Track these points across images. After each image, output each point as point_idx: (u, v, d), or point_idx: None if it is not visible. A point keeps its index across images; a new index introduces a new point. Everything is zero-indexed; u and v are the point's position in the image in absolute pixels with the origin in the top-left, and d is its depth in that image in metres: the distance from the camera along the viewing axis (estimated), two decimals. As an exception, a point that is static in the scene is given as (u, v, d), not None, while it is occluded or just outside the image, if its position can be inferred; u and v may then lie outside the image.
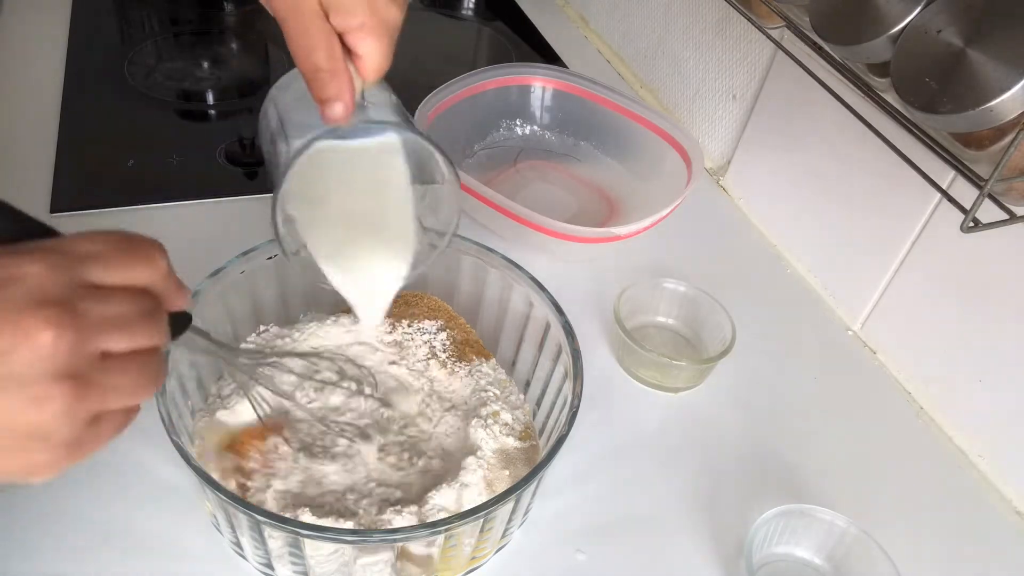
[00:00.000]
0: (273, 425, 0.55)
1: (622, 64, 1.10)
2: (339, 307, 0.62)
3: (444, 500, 0.52)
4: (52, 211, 0.75)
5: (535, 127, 0.93)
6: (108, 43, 1.02)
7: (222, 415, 0.55)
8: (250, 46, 1.07)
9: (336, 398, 0.57)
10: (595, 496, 0.61)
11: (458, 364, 0.62)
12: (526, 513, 0.56)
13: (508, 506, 0.50)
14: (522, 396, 0.62)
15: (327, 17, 0.45)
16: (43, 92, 0.90)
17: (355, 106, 0.45)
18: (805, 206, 0.82)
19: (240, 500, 0.46)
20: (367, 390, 0.57)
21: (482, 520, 0.48)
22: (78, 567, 0.52)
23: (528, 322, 0.62)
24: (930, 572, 0.59)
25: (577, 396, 0.53)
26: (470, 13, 1.21)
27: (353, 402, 0.57)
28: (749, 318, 0.71)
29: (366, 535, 0.47)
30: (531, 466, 0.55)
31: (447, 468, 0.55)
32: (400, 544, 0.48)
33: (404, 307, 0.65)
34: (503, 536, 0.55)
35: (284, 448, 0.54)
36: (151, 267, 0.36)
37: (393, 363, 0.62)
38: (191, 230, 0.75)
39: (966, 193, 0.50)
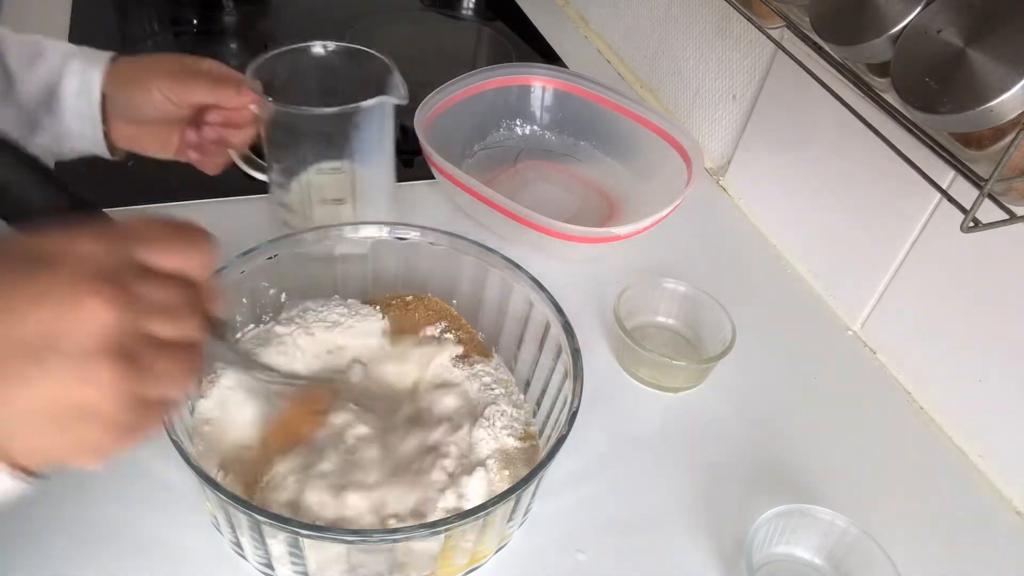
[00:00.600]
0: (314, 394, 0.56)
1: (622, 64, 1.10)
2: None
3: (445, 501, 0.52)
4: (52, 211, 0.75)
5: (535, 127, 0.93)
6: (108, 43, 1.01)
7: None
8: (250, 46, 1.07)
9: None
10: (595, 496, 0.61)
11: (460, 363, 0.62)
12: (526, 513, 0.56)
13: (508, 506, 0.50)
14: (522, 396, 0.62)
15: None
16: (43, 92, 0.90)
17: None
18: (805, 206, 0.82)
19: (240, 500, 0.45)
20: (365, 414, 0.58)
21: (482, 520, 0.48)
22: (78, 569, 0.52)
23: (528, 322, 0.62)
24: (930, 572, 0.59)
25: (577, 396, 0.53)
26: (470, 13, 1.21)
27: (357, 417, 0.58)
28: (749, 318, 0.71)
29: (366, 535, 0.47)
30: (531, 466, 0.55)
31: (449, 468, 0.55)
32: (400, 544, 0.48)
33: (403, 309, 0.65)
34: (503, 536, 0.55)
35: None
36: (201, 256, 0.37)
37: (394, 362, 0.62)
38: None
39: (966, 193, 0.50)
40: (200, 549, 0.54)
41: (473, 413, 0.59)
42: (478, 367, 0.62)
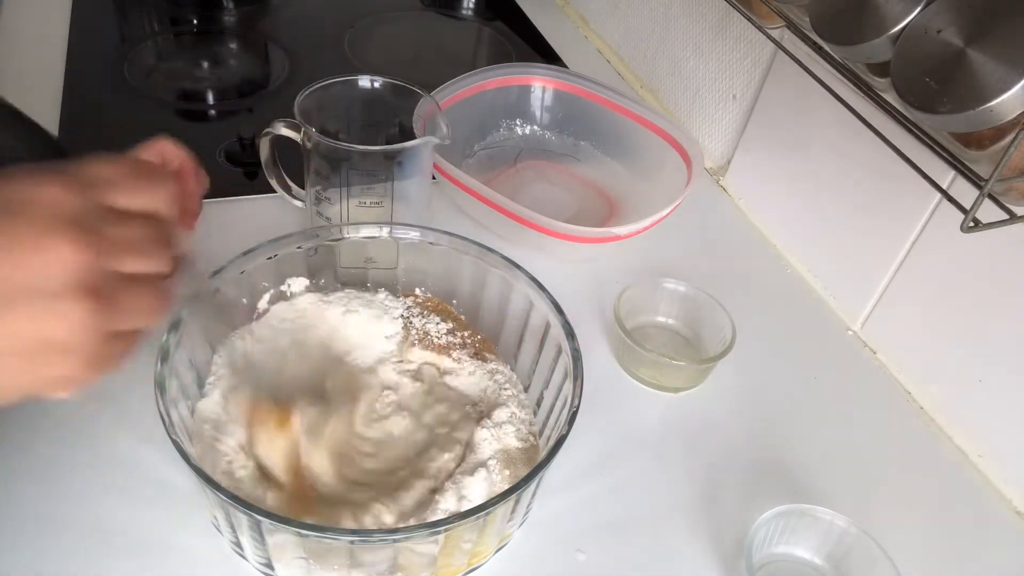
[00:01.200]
0: None
1: (622, 64, 1.10)
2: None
3: (446, 501, 0.52)
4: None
5: (535, 127, 0.93)
6: (108, 43, 1.02)
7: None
8: (250, 46, 1.07)
9: None
10: (595, 496, 0.61)
11: (466, 359, 0.62)
12: (526, 513, 0.56)
13: (508, 506, 0.50)
14: (525, 395, 0.62)
15: None
16: (43, 92, 0.90)
17: None
18: (805, 206, 0.82)
19: (240, 500, 0.45)
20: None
21: (482, 520, 0.48)
22: (76, 567, 0.52)
23: (528, 322, 0.62)
24: (930, 572, 0.59)
25: (577, 397, 0.53)
26: (470, 13, 1.21)
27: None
28: (749, 318, 0.71)
29: (366, 535, 0.47)
30: (531, 466, 0.55)
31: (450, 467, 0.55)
32: (400, 544, 0.48)
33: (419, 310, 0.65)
34: (503, 536, 0.55)
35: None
36: (162, 192, 0.38)
37: (398, 361, 0.62)
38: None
39: (966, 193, 0.50)
40: (200, 549, 0.53)
41: (480, 412, 0.59)
42: (492, 364, 0.62)
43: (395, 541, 0.47)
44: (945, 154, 0.52)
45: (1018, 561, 0.62)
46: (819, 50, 0.57)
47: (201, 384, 0.58)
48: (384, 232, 0.64)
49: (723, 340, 0.68)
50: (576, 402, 0.53)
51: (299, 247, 0.62)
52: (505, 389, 0.61)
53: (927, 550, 0.60)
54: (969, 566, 0.61)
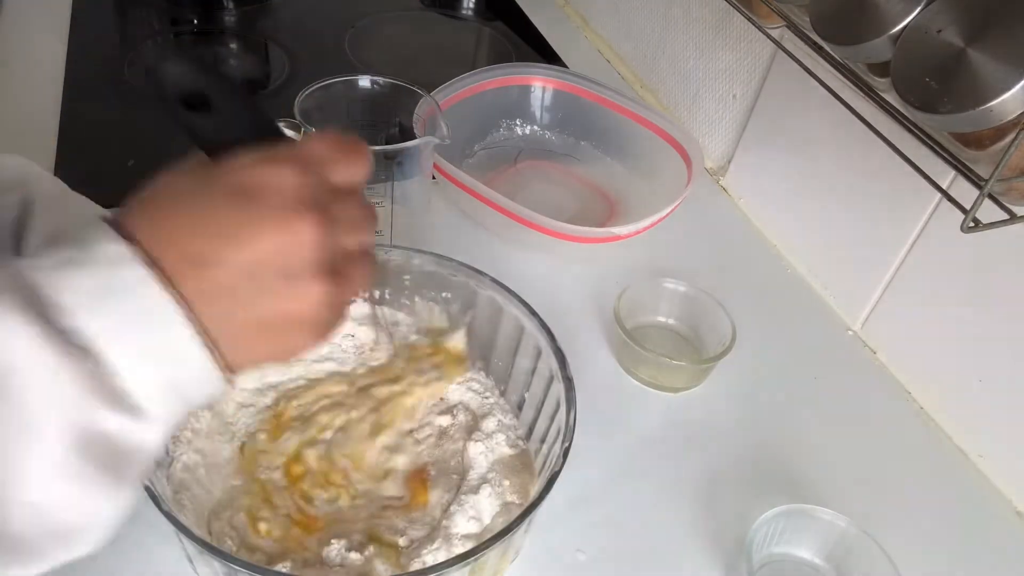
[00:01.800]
0: None
1: (622, 64, 1.10)
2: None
3: (458, 526, 0.52)
4: (52, 211, 0.75)
5: (535, 127, 0.93)
6: (108, 43, 1.02)
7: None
8: (250, 46, 1.07)
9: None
10: (595, 496, 0.61)
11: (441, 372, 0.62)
12: (519, 549, 0.55)
13: (499, 547, 0.48)
14: (503, 399, 0.62)
15: None
16: (43, 92, 0.90)
17: None
18: (805, 206, 0.82)
19: (217, 550, 0.44)
20: None
21: (471, 564, 0.47)
22: None
23: (519, 347, 0.60)
24: (930, 572, 0.59)
25: (570, 430, 0.52)
26: (470, 13, 1.21)
27: None
28: (749, 318, 0.71)
29: None
30: (528, 471, 0.55)
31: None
32: None
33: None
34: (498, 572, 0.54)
35: None
36: (364, 165, 0.40)
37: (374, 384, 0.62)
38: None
39: (966, 193, 0.50)
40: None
41: (469, 427, 0.59)
42: (468, 374, 0.62)
43: None
44: (945, 154, 0.52)
45: (1018, 561, 0.62)
46: (819, 50, 0.57)
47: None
48: None
49: (723, 340, 0.68)
50: (569, 436, 0.52)
51: None
52: (487, 398, 0.60)
53: (927, 550, 0.60)
54: (969, 566, 0.61)
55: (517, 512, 0.50)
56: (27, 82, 0.92)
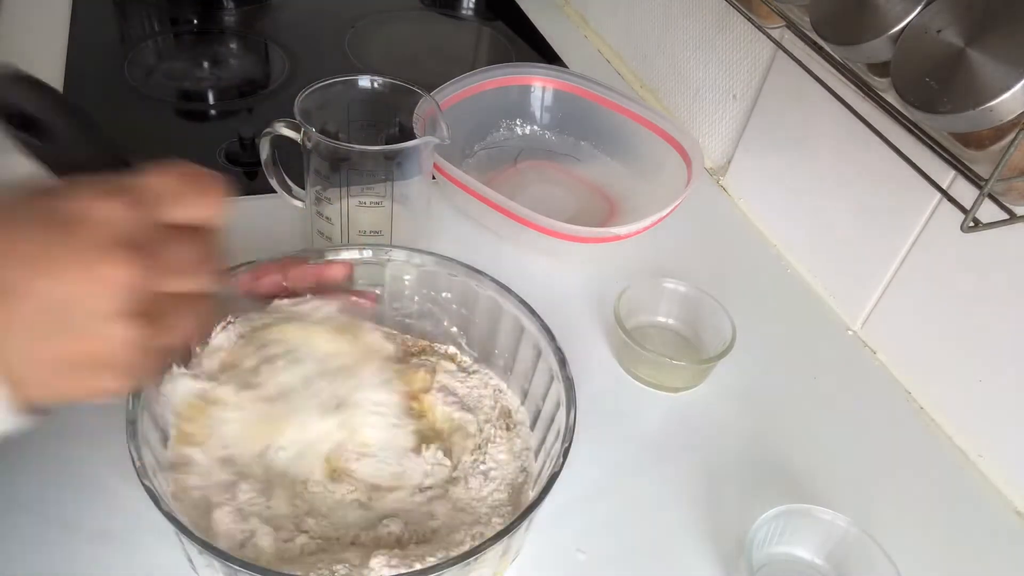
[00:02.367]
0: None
1: (622, 64, 1.10)
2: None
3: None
4: (52, 211, 0.75)
5: (535, 127, 0.93)
6: (108, 43, 1.02)
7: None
8: (250, 46, 1.07)
9: None
10: (595, 496, 0.61)
11: (462, 375, 0.62)
12: (518, 550, 0.55)
13: (499, 546, 0.48)
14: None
15: None
16: (43, 92, 0.90)
17: None
18: (805, 206, 0.82)
19: (218, 551, 0.44)
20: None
21: (471, 564, 0.46)
22: None
23: (519, 347, 0.60)
24: (930, 572, 0.59)
25: (570, 430, 0.52)
26: (470, 13, 1.21)
27: None
28: (749, 318, 0.71)
29: None
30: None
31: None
32: None
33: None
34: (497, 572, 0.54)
35: None
36: (214, 205, 0.39)
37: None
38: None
39: (966, 193, 0.50)
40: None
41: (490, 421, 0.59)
42: (478, 374, 0.62)
43: None
44: (945, 154, 0.52)
45: (1018, 561, 0.62)
46: (819, 50, 0.57)
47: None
48: (367, 254, 0.61)
49: (723, 340, 0.68)
50: (569, 436, 0.51)
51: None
52: (503, 393, 0.61)
53: (927, 550, 0.60)
54: (969, 566, 0.61)
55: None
56: (27, 82, 0.92)
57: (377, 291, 0.62)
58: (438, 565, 0.46)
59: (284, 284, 0.57)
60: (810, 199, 0.81)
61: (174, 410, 0.52)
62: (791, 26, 0.61)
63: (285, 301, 0.56)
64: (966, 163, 0.50)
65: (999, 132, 0.47)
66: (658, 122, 0.85)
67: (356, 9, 1.14)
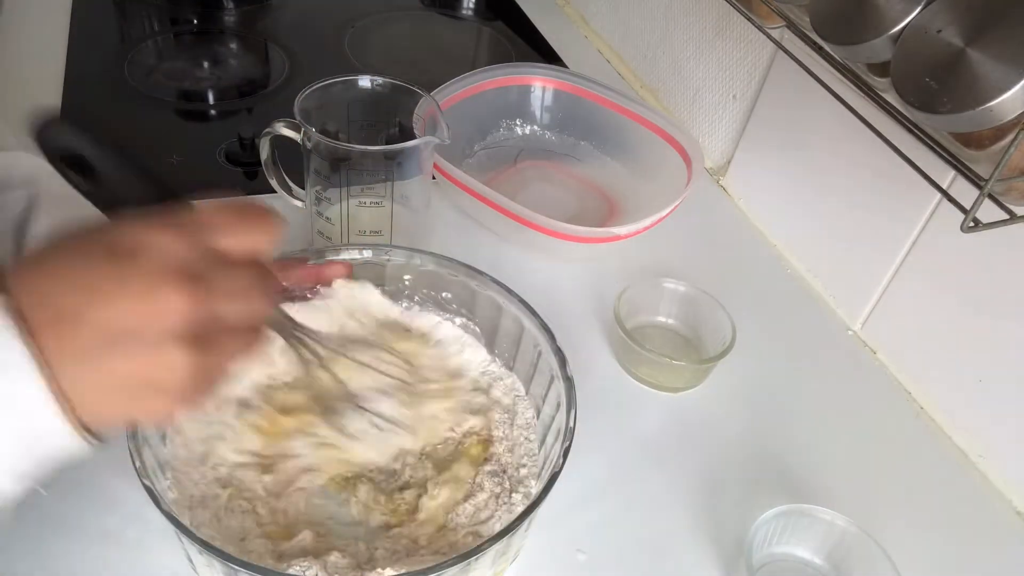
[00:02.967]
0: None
1: (622, 64, 1.10)
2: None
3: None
4: (52, 211, 0.75)
5: (535, 127, 0.93)
6: (108, 43, 1.02)
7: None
8: (250, 46, 1.07)
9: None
10: (595, 496, 0.61)
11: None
12: (519, 549, 0.55)
13: (499, 546, 0.48)
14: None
15: None
16: (43, 92, 0.90)
17: None
18: (805, 206, 0.82)
19: (218, 551, 0.43)
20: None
21: (471, 563, 0.47)
22: None
23: (520, 346, 0.60)
24: (930, 572, 0.59)
25: (571, 430, 0.52)
26: (470, 13, 1.21)
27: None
28: (749, 318, 0.71)
29: None
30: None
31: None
32: None
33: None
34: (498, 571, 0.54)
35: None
36: (267, 236, 0.39)
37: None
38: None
39: (966, 193, 0.50)
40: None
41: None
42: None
43: None
44: (945, 154, 0.52)
45: (1018, 561, 0.62)
46: (819, 50, 0.57)
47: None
48: (367, 254, 0.61)
49: (723, 340, 0.68)
50: (570, 436, 0.51)
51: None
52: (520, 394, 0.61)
53: (927, 550, 0.60)
54: (969, 566, 0.61)
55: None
56: (27, 82, 0.92)
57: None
58: (439, 565, 0.46)
59: (284, 285, 0.57)
60: (810, 199, 0.81)
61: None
62: (791, 26, 0.61)
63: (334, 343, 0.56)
64: (966, 163, 0.50)
65: (999, 132, 0.47)
66: (658, 122, 0.85)
67: (356, 9, 1.14)
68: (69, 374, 0.34)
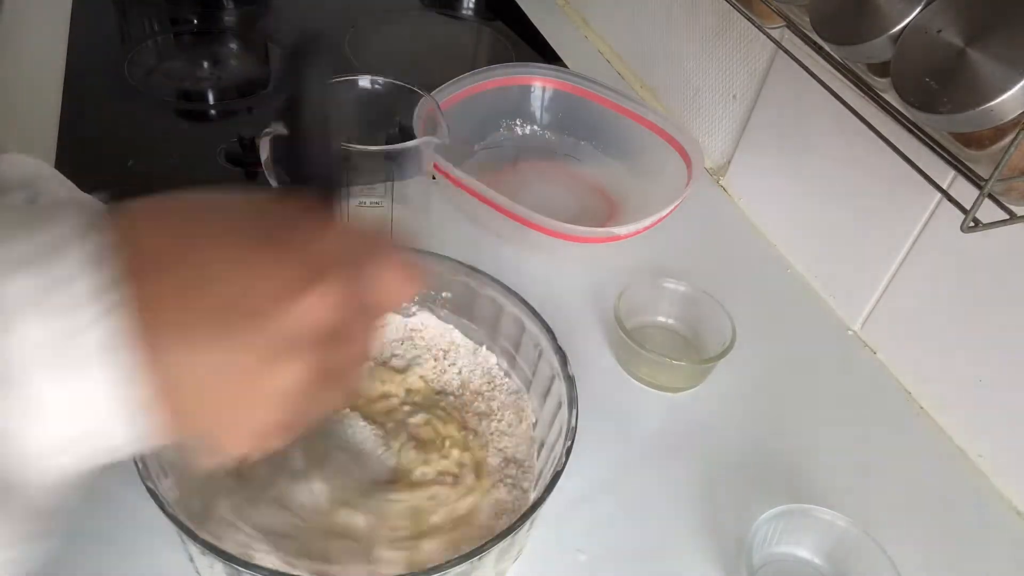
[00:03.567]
0: None
1: (622, 64, 1.10)
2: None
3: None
4: (52, 211, 0.75)
5: (535, 127, 0.93)
6: (108, 43, 1.02)
7: None
8: (250, 46, 1.07)
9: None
10: (595, 496, 0.61)
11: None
12: (520, 550, 0.55)
13: (502, 545, 0.48)
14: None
15: None
16: (43, 92, 0.90)
17: None
18: (805, 206, 0.82)
19: (221, 551, 0.43)
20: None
21: (474, 562, 0.47)
22: None
23: (520, 345, 0.60)
24: (930, 572, 0.59)
25: (572, 429, 0.52)
26: (470, 13, 1.21)
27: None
28: (749, 318, 0.71)
29: None
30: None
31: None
32: None
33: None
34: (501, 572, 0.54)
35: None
36: (403, 299, 0.36)
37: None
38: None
39: (966, 193, 0.50)
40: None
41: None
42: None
43: None
44: (945, 154, 0.52)
45: (1018, 561, 0.62)
46: (819, 50, 0.57)
47: None
48: None
49: (723, 340, 0.68)
50: (571, 435, 0.52)
51: None
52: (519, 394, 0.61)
53: (927, 550, 0.60)
54: (969, 566, 0.61)
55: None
56: (27, 82, 0.92)
57: None
58: (441, 565, 0.46)
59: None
60: (810, 199, 0.81)
61: None
62: (791, 26, 0.61)
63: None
64: (966, 163, 0.50)
65: (999, 132, 0.47)
66: (658, 122, 0.85)
67: (356, 9, 1.14)
68: (170, 359, 0.29)
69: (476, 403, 0.61)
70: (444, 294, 0.63)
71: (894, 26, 0.50)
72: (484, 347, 0.63)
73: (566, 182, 0.89)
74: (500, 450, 0.58)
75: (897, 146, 0.56)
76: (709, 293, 0.72)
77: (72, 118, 0.87)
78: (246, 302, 0.30)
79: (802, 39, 0.59)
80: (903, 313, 0.73)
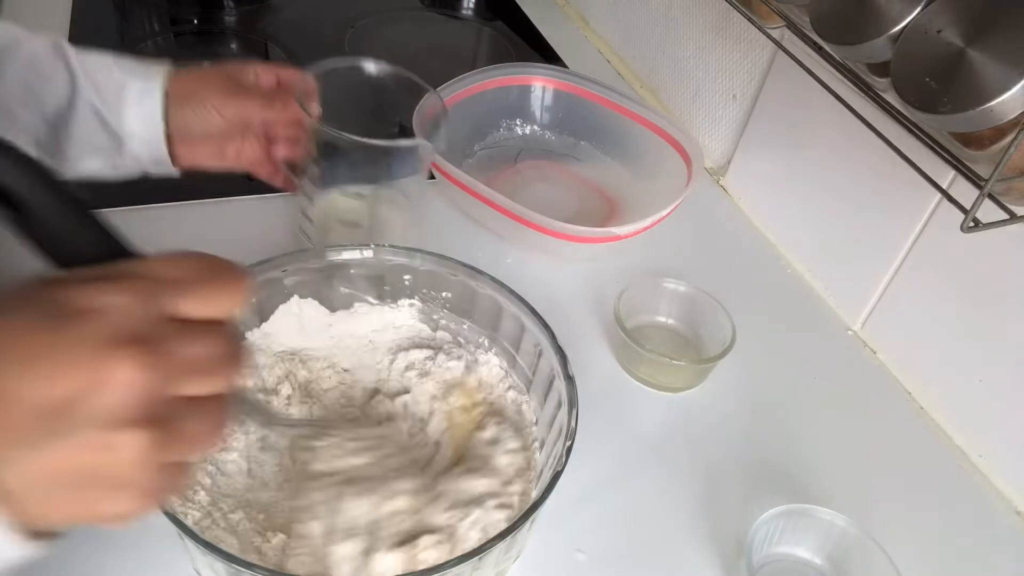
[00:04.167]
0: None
1: (622, 64, 1.10)
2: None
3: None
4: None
5: (535, 127, 0.93)
6: (108, 43, 1.01)
7: None
8: (250, 46, 1.07)
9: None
10: (595, 496, 0.61)
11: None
12: (522, 548, 0.55)
13: (503, 545, 0.48)
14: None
15: None
16: (43, 92, 0.90)
17: None
18: (805, 206, 0.82)
19: (221, 551, 0.43)
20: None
21: (475, 562, 0.46)
22: None
23: (520, 345, 0.60)
24: (930, 572, 0.59)
25: (572, 429, 0.52)
26: (470, 13, 1.21)
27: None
28: (749, 318, 0.71)
29: None
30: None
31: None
32: None
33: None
34: (501, 571, 0.54)
35: None
36: (236, 298, 0.33)
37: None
38: (191, 231, 0.75)
39: (966, 193, 0.50)
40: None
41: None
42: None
43: None
44: (945, 154, 0.52)
45: (1018, 561, 0.62)
46: (819, 50, 0.57)
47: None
48: (367, 254, 0.61)
49: (723, 340, 0.68)
50: (571, 436, 0.51)
51: (284, 270, 0.60)
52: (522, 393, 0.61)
53: (927, 550, 0.60)
54: (969, 566, 0.61)
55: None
56: (27, 82, 0.92)
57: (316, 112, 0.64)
58: (442, 564, 0.46)
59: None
60: (810, 199, 0.81)
61: None
62: (791, 26, 0.61)
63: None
64: (966, 163, 0.50)
65: (999, 132, 0.47)
66: (658, 122, 0.85)
67: (356, 9, 1.14)
68: (5, 463, 0.29)
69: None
70: (444, 294, 0.63)
71: (894, 26, 0.50)
72: (483, 347, 0.63)
73: (566, 182, 0.89)
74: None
75: (897, 146, 0.56)
76: (709, 293, 0.72)
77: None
78: (42, 400, 0.29)
79: (802, 39, 0.59)
80: (903, 313, 0.73)
